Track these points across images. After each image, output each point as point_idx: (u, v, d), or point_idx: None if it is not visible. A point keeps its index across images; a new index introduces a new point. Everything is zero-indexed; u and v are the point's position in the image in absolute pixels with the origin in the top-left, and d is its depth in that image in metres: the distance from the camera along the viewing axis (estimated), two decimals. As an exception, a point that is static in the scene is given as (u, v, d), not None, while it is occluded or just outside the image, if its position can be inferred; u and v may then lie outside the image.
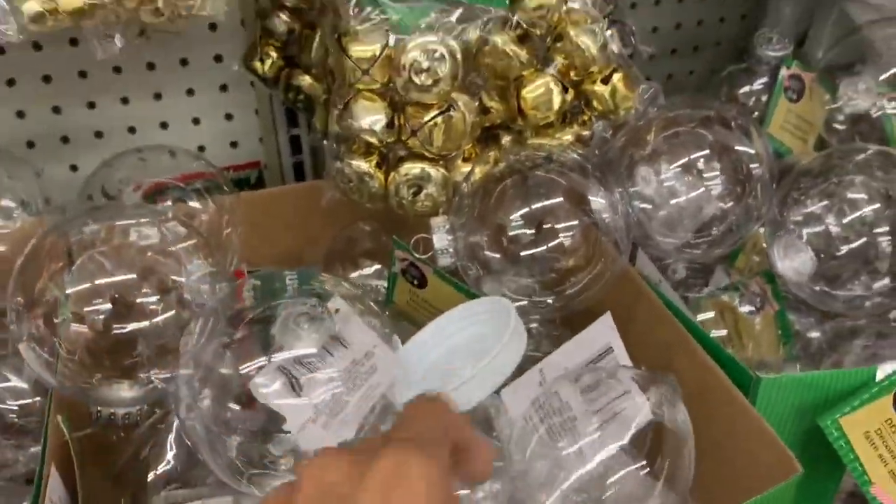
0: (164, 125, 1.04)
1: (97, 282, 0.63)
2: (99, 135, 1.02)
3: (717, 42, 1.22)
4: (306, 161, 1.08)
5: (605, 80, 0.75)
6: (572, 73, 0.75)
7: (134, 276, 0.64)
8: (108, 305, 0.63)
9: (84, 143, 1.01)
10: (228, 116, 1.06)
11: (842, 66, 0.97)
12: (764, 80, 0.98)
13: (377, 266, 0.86)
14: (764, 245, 0.90)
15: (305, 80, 0.88)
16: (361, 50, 0.70)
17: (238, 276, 0.79)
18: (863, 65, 0.98)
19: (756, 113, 1.01)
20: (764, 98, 0.97)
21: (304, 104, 0.90)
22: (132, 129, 1.03)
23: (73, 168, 1.02)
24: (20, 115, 0.98)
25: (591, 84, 0.76)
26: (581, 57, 0.73)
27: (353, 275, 0.85)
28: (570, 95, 0.75)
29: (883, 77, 0.88)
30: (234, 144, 1.08)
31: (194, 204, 0.76)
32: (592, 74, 0.75)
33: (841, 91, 0.95)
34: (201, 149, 1.06)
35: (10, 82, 0.95)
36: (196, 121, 1.05)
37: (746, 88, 0.98)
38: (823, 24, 1.09)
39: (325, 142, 0.88)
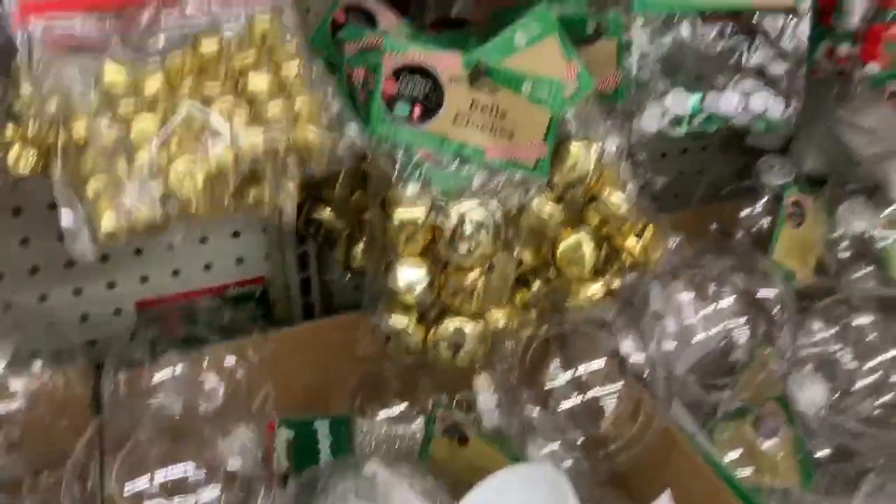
0: (170, 246, 1.02)
1: (150, 474, 0.63)
2: (104, 258, 1.00)
3: (703, 146, 1.26)
4: (313, 278, 1.07)
5: (638, 235, 0.77)
6: (605, 229, 0.77)
7: (186, 464, 0.63)
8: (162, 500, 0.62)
9: (88, 266, 0.99)
10: (235, 234, 1.05)
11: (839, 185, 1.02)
12: (764, 200, 1.02)
13: (405, 404, 0.85)
14: (771, 366, 0.94)
15: (327, 214, 0.89)
16: (405, 214, 0.70)
17: (269, 429, 0.78)
18: (857, 184, 1.03)
19: (754, 229, 1.05)
20: (764, 221, 1.01)
21: (324, 238, 0.90)
22: (138, 251, 1.01)
23: (77, 292, 1.00)
24: (24, 242, 0.95)
25: (622, 239, 0.78)
26: (615, 217, 0.75)
27: (381, 414, 0.85)
28: (603, 251, 0.77)
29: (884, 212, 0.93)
30: (239, 260, 1.07)
31: (229, 359, 0.75)
32: (624, 230, 0.77)
33: (839, 213, 1.00)
34: (207, 267, 1.05)
35: (17, 211, 0.93)
36: (203, 240, 1.03)
37: (748, 211, 1.01)
38: (809, 137, 1.13)
39: (349, 276, 0.88)
